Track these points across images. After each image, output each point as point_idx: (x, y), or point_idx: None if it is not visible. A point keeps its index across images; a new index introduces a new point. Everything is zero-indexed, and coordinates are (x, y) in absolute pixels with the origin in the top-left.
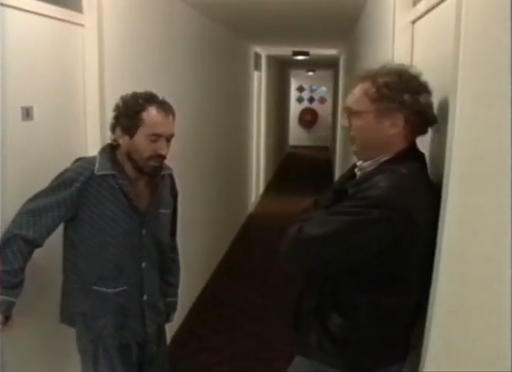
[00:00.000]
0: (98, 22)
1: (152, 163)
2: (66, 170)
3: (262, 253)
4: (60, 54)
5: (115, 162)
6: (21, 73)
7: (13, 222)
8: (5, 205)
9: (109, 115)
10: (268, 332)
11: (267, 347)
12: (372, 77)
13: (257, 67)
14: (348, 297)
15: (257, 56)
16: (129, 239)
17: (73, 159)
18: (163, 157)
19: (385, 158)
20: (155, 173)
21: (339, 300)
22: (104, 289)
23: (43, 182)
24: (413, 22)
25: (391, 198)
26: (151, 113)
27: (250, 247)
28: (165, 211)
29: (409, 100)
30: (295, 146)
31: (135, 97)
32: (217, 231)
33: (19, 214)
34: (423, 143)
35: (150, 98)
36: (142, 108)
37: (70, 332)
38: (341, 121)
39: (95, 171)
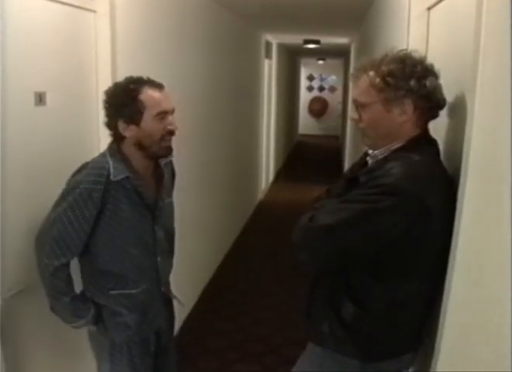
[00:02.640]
0: (110, 8)
1: (164, 143)
2: (79, 182)
3: (272, 239)
4: (72, 40)
5: (125, 161)
6: (33, 59)
7: (45, 253)
8: (15, 189)
9: None
10: (278, 319)
11: (277, 333)
12: (376, 66)
13: (268, 55)
14: (362, 286)
15: (268, 45)
16: (144, 237)
17: (84, 145)
18: (173, 133)
19: (397, 145)
20: (168, 154)
21: (353, 288)
22: (126, 291)
23: (53, 168)
24: (429, 8)
25: (404, 186)
26: (148, 93)
27: (261, 234)
28: (169, 199)
29: (415, 85)
30: (304, 135)
31: (122, 86)
32: (228, 218)
33: (48, 243)
34: (438, 132)
35: (138, 81)
36: (138, 93)
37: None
38: (350, 114)
39: (112, 177)
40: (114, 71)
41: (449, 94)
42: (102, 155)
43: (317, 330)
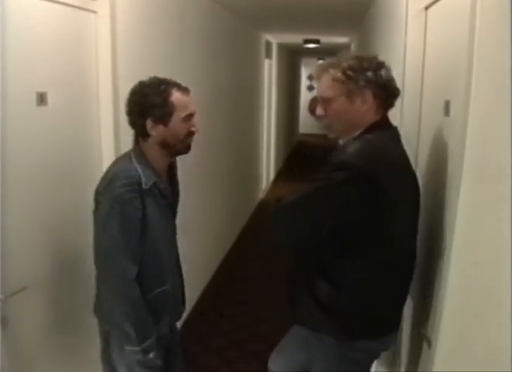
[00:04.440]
0: (110, 8)
1: (186, 142)
2: (117, 196)
3: (273, 238)
4: (73, 41)
5: (149, 164)
6: (34, 59)
7: (121, 271)
8: (16, 189)
9: (123, 101)
10: (278, 318)
11: (277, 332)
12: (335, 64)
13: (268, 55)
14: (332, 264)
15: (269, 45)
16: (168, 236)
17: (85, 145)
18: (194, 134)
19: (358, 132)
20: (188, 151)
21: (324, 267)
22: (159, 289)
23: (54, 167)
24: (427, 8)
25: (355, 161)
26: (177, 96)
27: (261, 233)
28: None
29: (372, 76)
30: (305, 135)
31: (151, 86)
32: (229, 217)
33: (117, 261)
34: (435, 130)
35: (166, 82)
36: (168, 94)
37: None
38: (317, 110)
39: (143, 185)
40: (114, 71)
41: (446, 93)
42: (129, 161)
43: (298, 312)
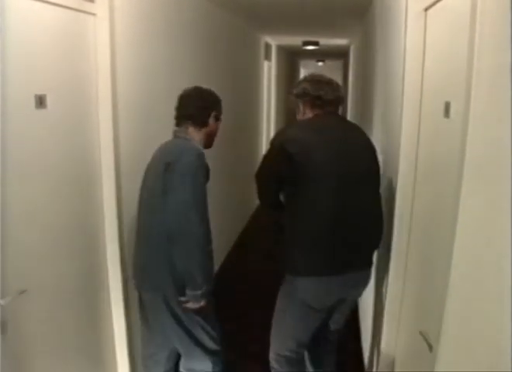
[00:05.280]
0: (109, 11)
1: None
2: (195, 163)
3: (273, 239)
4: (72, 43)
5: None
6: (34, 62)
7: (204, 240)
8: (15, 192)
9: (122, 103)
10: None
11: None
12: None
13: (268, 57)
14: (285, 207)
15: (268, 47)
16: None
17: (84, 148)
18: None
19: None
20: (209, 148)
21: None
22: (211, 247)
23: (53, 170)
24: (426, 9)
25: (275, 139)
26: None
27: (261, 234)
28: None
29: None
30: None
31: (208, 90)
32: (228, 218)
33: (199, 232)
34: (438, 132)
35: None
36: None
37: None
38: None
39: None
40: (113, 74)
41: (446, 94)
42: (188, 140)
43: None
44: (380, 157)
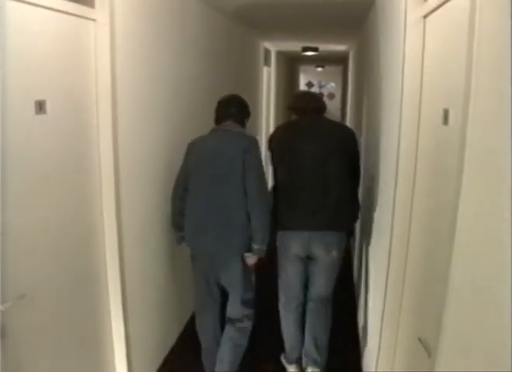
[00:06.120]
0: (110, 16)
1: None
2: (255, 142)
3: (273, 239)
4: (72, 49)
5: None
6: (34, 67)
7: (270, 197)
8: (15, 197)
9: (121, 109)
10: (277, 324)
11: (277, 339)
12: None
13: (267, 62)
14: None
15: (267, 52)
16: None
17: (84, 153)
18: None
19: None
20: None
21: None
22: None
23: (53, 175)
24: (425, 16)
25: (270, 137)
26: None
27: None
28: None
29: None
30: None
31: (243, 99)
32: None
33: (266, 192)
34: (437, 136)
35: None
36: None
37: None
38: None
39: None
40: (113, 79)
41: (445, 101)
42: (243, 130)
43: None
44: (380, 162)
